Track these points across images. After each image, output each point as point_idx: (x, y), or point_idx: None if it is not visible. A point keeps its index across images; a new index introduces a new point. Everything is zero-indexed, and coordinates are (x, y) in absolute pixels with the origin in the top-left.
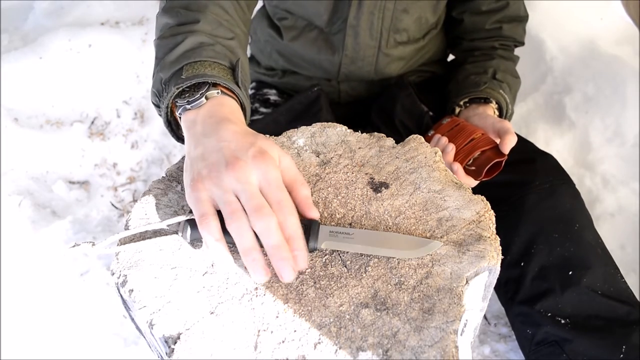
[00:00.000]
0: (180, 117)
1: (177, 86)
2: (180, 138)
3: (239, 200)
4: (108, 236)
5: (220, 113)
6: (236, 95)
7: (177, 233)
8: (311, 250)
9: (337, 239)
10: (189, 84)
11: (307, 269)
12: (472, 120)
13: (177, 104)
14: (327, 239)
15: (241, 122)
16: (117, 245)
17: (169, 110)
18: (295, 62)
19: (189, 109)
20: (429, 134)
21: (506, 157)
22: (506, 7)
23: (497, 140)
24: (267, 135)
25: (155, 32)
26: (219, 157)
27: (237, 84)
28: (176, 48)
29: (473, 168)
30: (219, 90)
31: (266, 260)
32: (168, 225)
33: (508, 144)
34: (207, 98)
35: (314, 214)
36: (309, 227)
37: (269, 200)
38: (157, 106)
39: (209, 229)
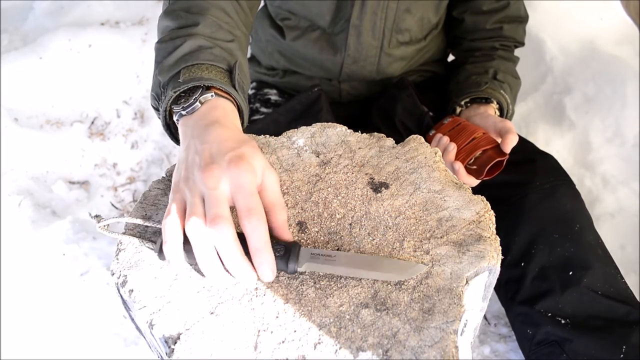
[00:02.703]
0: (177, 122)
1: (174, 90)
2: (179, 141)
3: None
4: (111, 234)
5: (211, 116)
6: (233, 98)
7: None
8: (291, 272)
9: (319, 261)
10: (184, 88)
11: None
12: (474, 120)
13: (174, 110)
14: (308, 260)
15: (233, 124)
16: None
17: (167, 113)
18: (296, 62)
19: (185, 115)
20: (430, 134)
21: (507, 157)
22: (507, 7)
23: (499, 140)
24: (266, 136)
25: (157, 35)
26: (197, 160)
27: (233, 86)
28: (175, 52)
29: (474, 167)
30: (213, 93)
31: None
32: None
33: (509, 143)
34: (201, 103)
35: (288, 237)
36: (289, 249)
37: (238, 206)
38: (157, 109)
39: (166, 229)
